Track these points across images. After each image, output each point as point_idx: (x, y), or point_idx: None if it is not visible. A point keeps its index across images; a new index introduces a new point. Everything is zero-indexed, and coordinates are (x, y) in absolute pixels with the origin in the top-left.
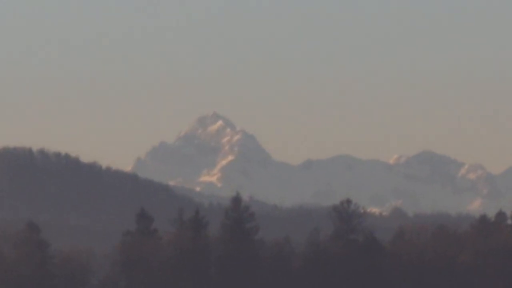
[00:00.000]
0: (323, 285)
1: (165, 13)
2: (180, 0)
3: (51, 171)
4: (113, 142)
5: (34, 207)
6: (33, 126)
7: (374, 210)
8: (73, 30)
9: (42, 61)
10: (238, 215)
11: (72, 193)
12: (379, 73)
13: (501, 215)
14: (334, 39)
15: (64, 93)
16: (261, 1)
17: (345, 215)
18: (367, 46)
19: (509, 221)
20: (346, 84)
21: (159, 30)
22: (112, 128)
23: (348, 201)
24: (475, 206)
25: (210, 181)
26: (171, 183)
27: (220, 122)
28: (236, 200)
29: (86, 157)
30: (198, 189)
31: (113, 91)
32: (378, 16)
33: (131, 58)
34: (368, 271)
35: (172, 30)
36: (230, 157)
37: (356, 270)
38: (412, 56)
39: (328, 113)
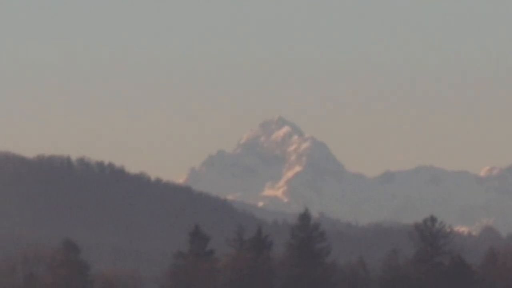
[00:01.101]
0: None
1: (220, 14)
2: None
3: (92, 182)
4: (164, 150)
5: (72, 224)
6: (73, 132)
7: (463, 229)
8: (120, 35)
9: (89, 65)
10: (307, 234)
11: (116, 207)
12: (457, 74)
13: None
14: (405, 44)
15: (109, 97)
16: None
17: (429, 234)
18: (432, 51)
19: None
20: (431, 87)
21: (218, 32)
22: (163, 134)
23: (433, 219)
24: None
25: (275, 195)
26: (230, 197)
27: (286, 128)
28: (304, 217)
29: (132, 167)
30: (260, 204)
31: (165, 94)
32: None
33: (187, 60)
34: None
35: (236, 30)
36: (298, 168)
37: None
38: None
39: (410, 119)
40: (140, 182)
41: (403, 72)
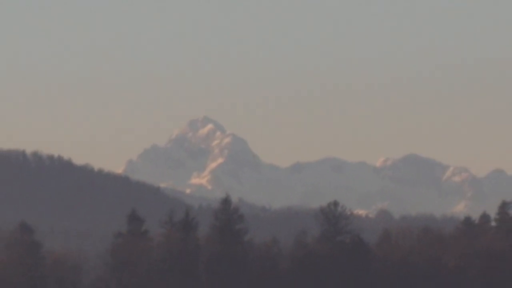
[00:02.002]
0: (310, 286)
1: (158, 17)
2: (176, 4)
3: (44, 173)
4: (105, 144)
5: (27, 209)
6: (26, 128)
7: (361, 212)
8: (67, 34)
9: (36, 63)
10: (228, 217)
11: (64, 195)
12: (367, 77)
13: (485, 217)
14: (323, 43)
15: (57, 96)
16: (251, 6)
17: (332, 217)
18: (355, 50)
19: (493, 223)
20: (333, 88)
21: (153, 34)
22: (104, 130)
23: (335, 203)
24: (460, 208)
25: (200, 183)
26: (162, 185)
27: (210, 126)
28: (226, 202)
29: (78, 160)
30: (188, 191)
31: (106, 94)
32: (369, 18)
33: (125, 61)
34: (355, 272)
35: (165, 34)
36: (220, 160)
37: (342, 272)
38: (400, 59)
39: (316, 116)
40: (85, 172)
41: (312, 73)
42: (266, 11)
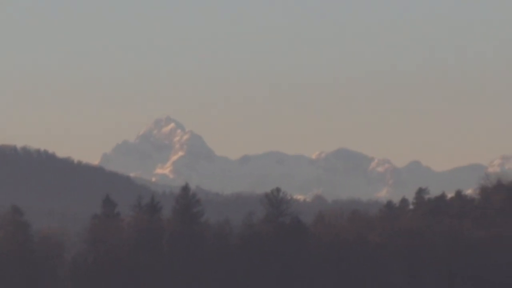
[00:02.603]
0: (257, 261)
1: (132, 21)
2: (144, 8)
3: (32, 164)
4: (84, 140)
5: (17, 194)
6: (17, 126)
7: (299, 197)
8: (48, 33)
9: (20, 65)
10: (187, 201)
11: (49, 182)
12: (304, 78)
13: (404, 201)
14: (267, 47)
15: (43, 97)
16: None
17: (275, 201)
18: (293, 52)
19: (411, 206)
20: (276, 90)
21: (126, 39)
22: (83, 128)
23: (278, 190)
24: (383, 194)
25: (164, 173)
26: (132, 174)
27: (172, 124)
28: (185, 189)
29: (61, 153)
30: (154, 180)
31: (85, 96)
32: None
33: (98, 68)
34: (294, 248)
35: (137, 40)
36: (180, 153)
37: (284, 248)
38: (334, 60)
39: (261, 116)
40: (66, 164)
41: (257, 77)
42: (221, 21)
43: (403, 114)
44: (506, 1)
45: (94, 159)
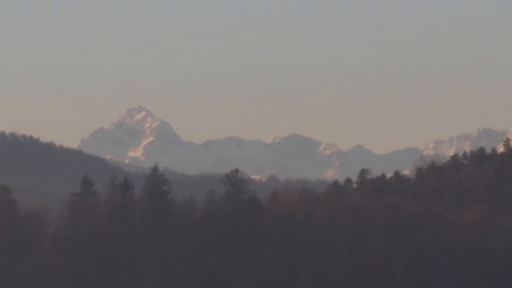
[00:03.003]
0: (217, 234)
1: (106, 13)
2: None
3: (19, 148)
4: (65, 126)
5: (5, 175)
6: (5, 113)
7: (256, 177)
8: (29, 24)
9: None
10: (156, 181)
11: (34, 164)
12: (260, 69)
13: (348, 181)
14: (227, 41)
15: (29, 88)
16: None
17: (235, 181)
18: (249, 46)
19: (354, 186)
20: (236, 82)
21: (107, 34)
22: (64, 115)
23: (236, 170)
24: (330, 174)
25: (136, 156)
26: (107, 157)
27: (143, 113)
28: (154, 170)
29: (45, 138)
30: (127, 162)
31: (67, 86)
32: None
33: (83, 62)
34: (251, 222)
35: (116, 35)
36: (150, 139)
37: (242, 222)
38: (283, 50)
39: (223, 104)
40: (49, 148)
41: (217, 69)
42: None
43: (348, 103)
44: None
45: (73, 144)
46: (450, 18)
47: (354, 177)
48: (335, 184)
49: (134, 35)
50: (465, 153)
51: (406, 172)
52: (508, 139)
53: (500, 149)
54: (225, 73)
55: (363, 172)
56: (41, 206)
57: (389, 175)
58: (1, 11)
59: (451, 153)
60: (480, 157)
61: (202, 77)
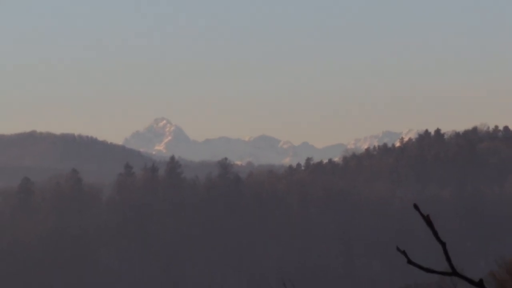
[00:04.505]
0: (213, 200)
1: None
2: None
3: (84, 144)
4: (114, 129)
5: (76, 163)
6: (75, 118)
7: (238, 162)
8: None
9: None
10: (173, 165)
11: (93, 154)
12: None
13: (298, 165)
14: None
15: (92, 99)
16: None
17: (224, 165)
18: (187, 49)
19: (302, 168)
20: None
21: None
22: (114, 121)
23: (226, 158)
24: (287, 161)
25: (160, 149)
26: (141, 150)
27: (164, 121)
28: (172, 159)
29: (100, 137)
30: (154, 153)
31: (117, 101)
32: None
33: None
34: (235, 192)
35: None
36: (169, 138)
37: (228, 192)
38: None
39: (218, 115)
40: (103, 144)
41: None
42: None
43: (297, 111)
44: None
45: (119, 141)
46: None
47: (302, 162)
48: (290, 167)
49: (160, 60)
50: (374, 147)
51: (336, 159)
52: (402, 138)
53: (397, 144)
54: (223, 93)
55: (308, 160)
56: (98, 182)
57: (324, 161)
58: (59, 26)
59: (365, 147)
60: (384, 150)
61: (205, 99)
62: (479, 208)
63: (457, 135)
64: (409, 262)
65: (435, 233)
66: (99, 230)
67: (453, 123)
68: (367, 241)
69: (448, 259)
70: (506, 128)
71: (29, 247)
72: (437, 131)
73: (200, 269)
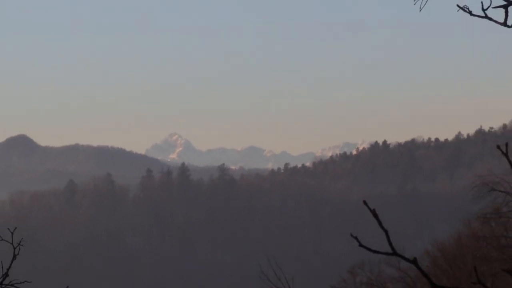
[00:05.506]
0: (214, 195)
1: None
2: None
3: (113, 155)
4: (138, 141)
5: (108, 169)
6: (108, 131)
7: (233, 167)
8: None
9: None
10: (184, 170)
11: (120, 162)
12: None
13: (279, 169)
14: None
15: (120, 115)
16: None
17: (222, 169)
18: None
19: (282, 171)
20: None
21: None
22: (138, 135)
23: (223, 164)
24: (269, 166)
25: (174, 158)
26: (159, 158)
27: (176, 135)
28: (183, 165)
29: (127, 148)
30: (169, 160)
31: (141, 118)
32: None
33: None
34: (230, 188)
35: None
36: (181, 148)
37: (226, 190)
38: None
39: (216, 130)
40: (129, 153)
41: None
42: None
43: (277, 124)
44: None
45: (141, 151)
46: None
47: (282, 167)
48: (272, 171)
49: (175, 81)
50: (336, 155)
51: (307, 164)
52: (358, 148)
53: (354, 152)
54: (224, 111)
55: (286, 165)
56: (126, 183)
57: (299, 166)
58: (88, 44)
59: (330, 154)
60: (344, 157)
61: (207, 117)
62: (416, 201)
63: (399, 145)
64: (360, 245)
65: (380, 223)
66: (127, 219)
67: (396, 135)
68: (332, 228)
69: (390, 243)
70: (437, 139)
71: (74, 234)
72: (384, 142)
73: (204, 248)
